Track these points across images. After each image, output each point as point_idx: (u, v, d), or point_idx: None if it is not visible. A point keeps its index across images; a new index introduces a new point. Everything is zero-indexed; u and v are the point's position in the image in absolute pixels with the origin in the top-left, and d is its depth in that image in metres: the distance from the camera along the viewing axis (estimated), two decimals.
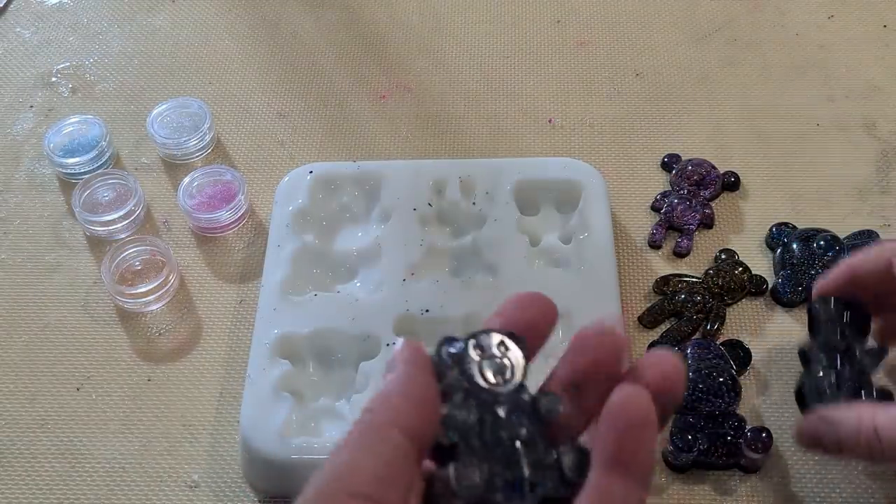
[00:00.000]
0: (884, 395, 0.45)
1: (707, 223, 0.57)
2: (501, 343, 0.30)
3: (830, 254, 0.53)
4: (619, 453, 0.27)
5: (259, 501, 0.47)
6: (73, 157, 0.61)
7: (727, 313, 0.52)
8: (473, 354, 0.30)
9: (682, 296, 0.52)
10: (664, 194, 0.58)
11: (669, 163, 0.60)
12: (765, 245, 0.56)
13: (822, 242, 0.53)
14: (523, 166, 0.56)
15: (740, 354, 0.50)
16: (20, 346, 0.54)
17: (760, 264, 0.55)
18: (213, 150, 0.63)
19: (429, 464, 0.29)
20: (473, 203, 0.55)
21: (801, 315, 0.52)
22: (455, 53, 0.68)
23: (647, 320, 0.52)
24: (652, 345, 0.51)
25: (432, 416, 0.28)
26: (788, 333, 0.52)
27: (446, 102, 0.65)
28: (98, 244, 0.58)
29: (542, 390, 0.31)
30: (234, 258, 0.57)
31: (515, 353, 0.30)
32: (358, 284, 0.53)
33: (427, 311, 0.50)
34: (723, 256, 0.54)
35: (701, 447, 0.46)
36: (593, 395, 0.29)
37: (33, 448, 0.50)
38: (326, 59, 0.68)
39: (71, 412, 0.51)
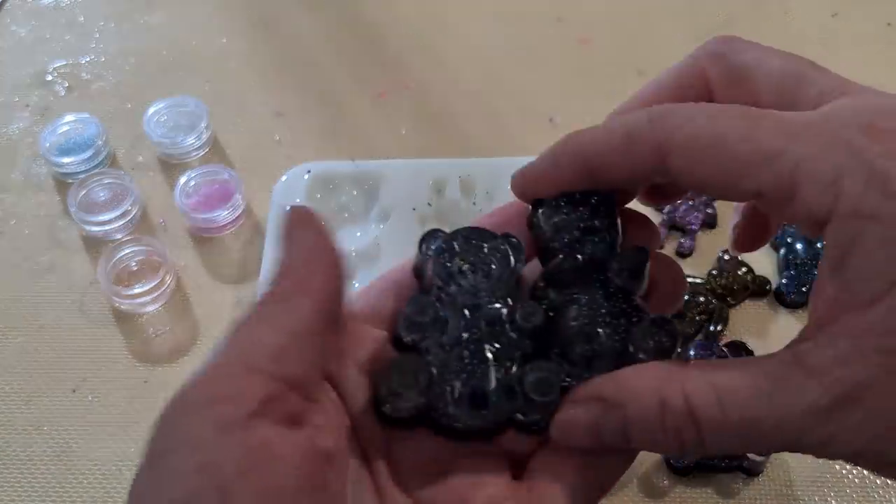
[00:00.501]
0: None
1: (710, 223, 0.56)
2: (492, 243, 0.28)
3: None
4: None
5: None
6: (68, 156, 0.60)
7: (730, 314, 0.52)
8: (456, 249, 0.28)
9: (685, 297, 0.52)
10: None
11: None
12: (768, 245, 0.55)
13: None
14: (524, 166, 0.55)
15: (743, 356, 0.49)
16: (15, 347, 0.53)
17: (764, 265, 0.54)
18: (210, 150, 0.62)
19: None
20: (473, 203, 0.54)
21: (806, 316, 0.52)
22: (455, 51, 0.68)
23: None
24: None
25: (337, 283, 0.26)
26: (793, 335, 0.51)
27: (446, 101, 0.65)
28: (94, 244, 0.58)
29: (536, 287, 0.28)
30: (231, 258, 0.57)
31: (504, 256, 0.28)
32: (357, 285, 0.53)
33: None
34: (726, 257, 0.54)
35: None
36: None
37: (29, 450, 0.49)
38: (324, 57, 0.68)
39: (67, 414, 0.50)
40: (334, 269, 0.26)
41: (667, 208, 0.56)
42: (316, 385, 0.26)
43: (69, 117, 0.62)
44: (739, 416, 0.23)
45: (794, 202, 0.24)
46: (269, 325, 0.25)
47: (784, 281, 0.52)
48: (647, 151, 0.26)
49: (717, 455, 0.45)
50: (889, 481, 0.46)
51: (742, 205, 0.34)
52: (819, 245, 0.53)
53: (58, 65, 0.69)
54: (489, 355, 0.27)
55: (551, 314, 0.28)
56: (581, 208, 0.29)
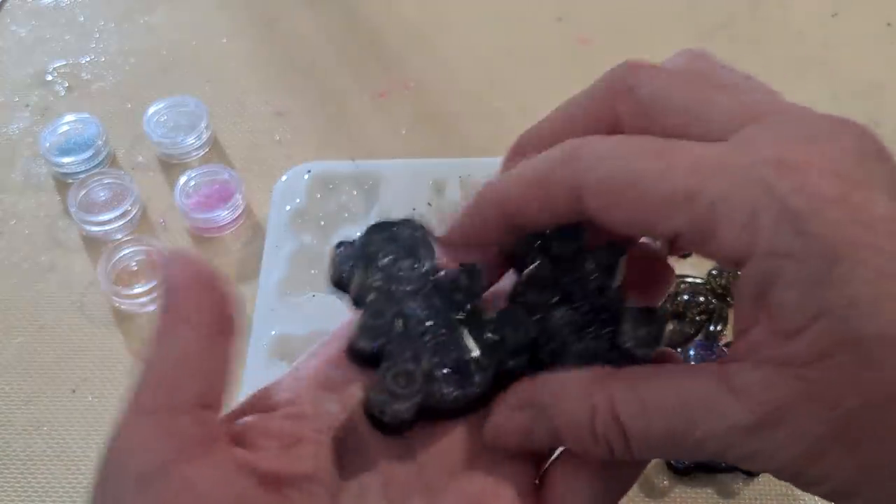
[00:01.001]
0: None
1: None
2: (400, 228, 0.28)
3: None
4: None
5: None
6: (68, 156, 0.60)
7: (730, 314, 0.52)
8: (373, 246, 0.28)
9: (685, 297, 0.52)
10: None
11: None
12: None
13: None
14: None
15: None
16: (15, 347, 0.53)
17: None
18: (210, 150, 0.62)
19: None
20: None
21: None
22: (455, 51, 0.68)
23: None
24: None
25: (214, 296, 0.26)
26: None
27: (446, 101, 0.65)
28: (94, 244, 0.58)
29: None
30: (231, 258, 0.57)
31: (415, 230, 0.28)
32: None
33: None
34: None
35: None
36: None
37: (29, 450, 0.49)
38: (325, 57, 0.68)
39: (67, 414, 0.50)
40: (207, 284, 0.26)
41: None
42: (223, 394, 0.26)
43: (69, 117, 0.62)
44: (665, 429, 0.24)
45: (712, 242, 0.24)
46: (156, 363, 0.25)
47: None
48: (563, 196, 0.26)
49: None
50: None
51: None
52: None
53: (58, 65, 0.69)
54: (460, 326, 0.27)
55: (535, 318, 0.28)
56: None
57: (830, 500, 0.24)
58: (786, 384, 0.22)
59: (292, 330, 0.49)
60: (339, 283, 0.29)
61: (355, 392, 0.28)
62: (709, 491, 0.46)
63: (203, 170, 0.59)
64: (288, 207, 0.54)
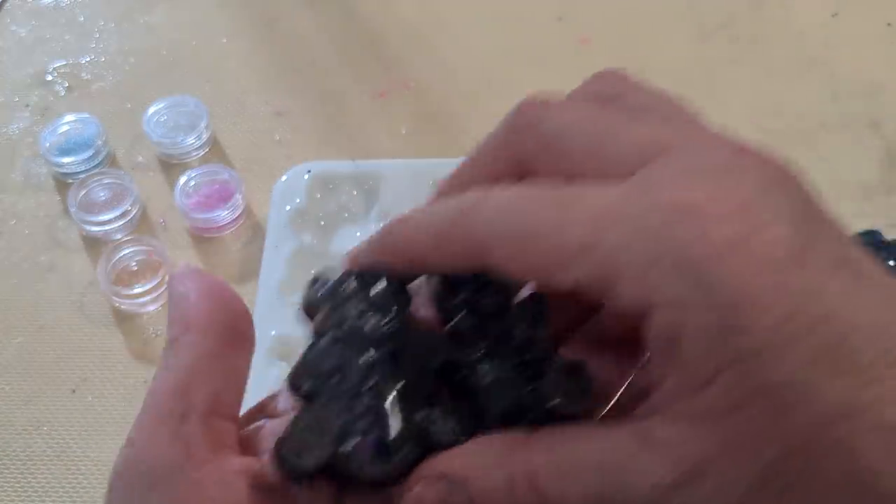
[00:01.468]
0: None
1: None
2: (384, 284, 0.27)
3: None
4: None
5: None
6: (68, 156, 0.60)
7: None
8: (348, 291, 0.27)
9: None
10: None
11: None
12: None
13: None
14: None
15: None
16: (15, 347, 0.53)
17: None
18: (209, 150, 0.62)
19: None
20: None
21: None
22: (455, 51, 0.68)
23: None
24: None
25: (226, 306, 0.27)
26: None
27: (446, 101, 0.64)
28: (94, 244, 0.58)
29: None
30: (231, 258, 0.57)
31: (396, 293, 0.27)
32: None
33: None
34: None
35: None
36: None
37: (29, 450, 0.49)
38: (325, 56, 0.68)
39: (67, 415, 0.50)
40: (219, 297, 0.27)
41: None
42: (236, 403, 0.27)
43: (69, 117, 0.62)
44: (586, 493, 0.23)
45: (612, 294, 0.23)
46: (170, 370, 0.26)
47: None
48: (461, 250, 0.25)
49: None
50: None
51: None
52: None
53: (58, 65, 0.68)
54: (390, 401, 0.26)
55: (460, 376, 0.27)
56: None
57: None
58: (704, 438, 0.22)
59: (292, 330, 0.49)
60: (308, 312, 0.29)
61: None
62: None
63: (203, 170, 0.59)
64: (288, 207, 0.54)
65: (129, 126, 0.64)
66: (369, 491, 0.26)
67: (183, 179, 0.58)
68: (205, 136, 0.62)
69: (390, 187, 0.55)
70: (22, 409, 0.51)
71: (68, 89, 0.67)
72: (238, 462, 0.25)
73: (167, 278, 0.54)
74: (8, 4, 0.73)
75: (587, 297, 0.24)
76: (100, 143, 0.61)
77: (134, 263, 0.55)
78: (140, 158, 0.62)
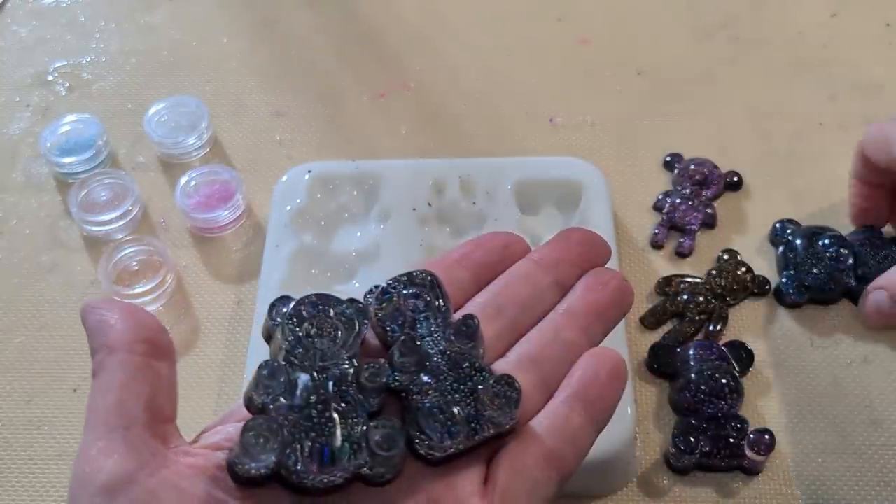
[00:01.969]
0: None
1: (709, 223, 0.56)
2: (338, 308, 0.30)
3: (833, 251, 0.52)
4: (586, 392, 0.31)
5: None
6: (69, 156, 0.60)
7: (730, 314, 0.52)
8: (304, 315, 0.30)
9: (685, 296, 0.52)
10: (666, 194, 0.57)
11: (671, 162, 0.59)
12: (768, 243, 0.55)
13: (826, 241, 0.53)
14: (524, 166, 0.55)
15: (743, 356, 0.49)
16: (16, 347, 0.53)
17: (763, 264, 0.54)
18: (210, 150, 0.62)
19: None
20: (473, 203, 0.54)
21: (805, 315, 0.52)
22: (455, 51, 0.68)
23: (650, 321, 0.52)
24: (654, 346, 0.50)
25: (139, 325, 0.30)
26: (792, 334, 0.51)
27: (446, 101, 0.65)
28: (95, 244, 0.58)
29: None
30: (231, 258, 0.57)
31: (349, 320, 0.30)
32: (357, 285, 0.53)
33: None
34: (725, 257, 0.54)
35: (703, 449, 0.45)
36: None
37: (30, 450, 0.49)
38: (325, 57, 0.68)
39: (68, 414, 0.50)
40: (135, 317, 0.30)
41: (666, 208, 0.56)
42: (171, 406, 0.30)
43: (70, 117, 0.62)
44: None
45: None
46: (104, 389, 0.28)
47: (783, 280, 0.52)
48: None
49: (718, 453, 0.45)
50: (889, 482, 0.46)
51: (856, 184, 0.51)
52: (820, 244, 0.53)
53: (58, 65, 0.69)
54: (335, 415, 0.28)
55: (403, 395, 0.30)
56: (407, 289, 0.32)
57: None
58: None
59: None
60: (266, 336, 0.32)
61: None
62: (708, 490, 0.46)
63: (203, 170, 0.59)
64: (288, 207, 0.54)
65: (129, 126, 0.64)
66: (321, 495, 0.28)
67: (184, 179, 0.58)
68: (205, 137, 0.62)
69: (390, 187, 0.55)
70: (23, 409, 0.51)
71: (69, 89, 0.67)
72: (186, 462, 0.28)
73: (166, 278, 0.54)
74: (9, 4, 0.73)
75: None
76: (101, 143, 0.61)
77: (135, 263, 0.55)
78: (141, 158, 0.62)
